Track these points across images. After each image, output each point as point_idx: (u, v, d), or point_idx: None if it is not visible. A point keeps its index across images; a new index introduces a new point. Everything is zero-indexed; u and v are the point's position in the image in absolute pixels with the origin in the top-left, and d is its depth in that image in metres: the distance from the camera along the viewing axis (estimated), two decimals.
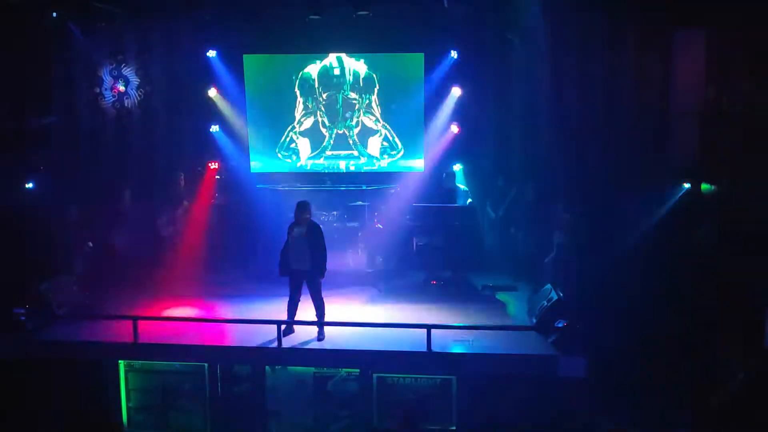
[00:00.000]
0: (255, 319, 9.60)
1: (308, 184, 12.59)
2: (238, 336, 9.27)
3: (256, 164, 13.12)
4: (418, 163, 12.92)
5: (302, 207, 9.32)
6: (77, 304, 10.09)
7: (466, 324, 9.51)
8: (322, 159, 13.09)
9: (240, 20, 12.12)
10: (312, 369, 9.19)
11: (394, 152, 12.97)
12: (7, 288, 9.69)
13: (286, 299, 9.43)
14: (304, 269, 9.22)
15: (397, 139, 12.91)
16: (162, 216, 11.90)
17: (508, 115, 12.74)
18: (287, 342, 9.00)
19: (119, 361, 9.37)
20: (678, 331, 9.70)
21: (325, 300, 9.42)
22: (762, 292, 9.24)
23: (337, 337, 9.26)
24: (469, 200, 12.01)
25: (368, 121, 12.92)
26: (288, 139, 13.10)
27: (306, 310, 9.64)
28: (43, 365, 9.31)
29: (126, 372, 9.41)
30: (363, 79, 12.75)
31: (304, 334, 9.28)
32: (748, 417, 8.05)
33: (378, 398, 9.13)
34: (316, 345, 9.07)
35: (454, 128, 12.56)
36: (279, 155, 13.14)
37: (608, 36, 12.30)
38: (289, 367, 9.22)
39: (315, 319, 9.40)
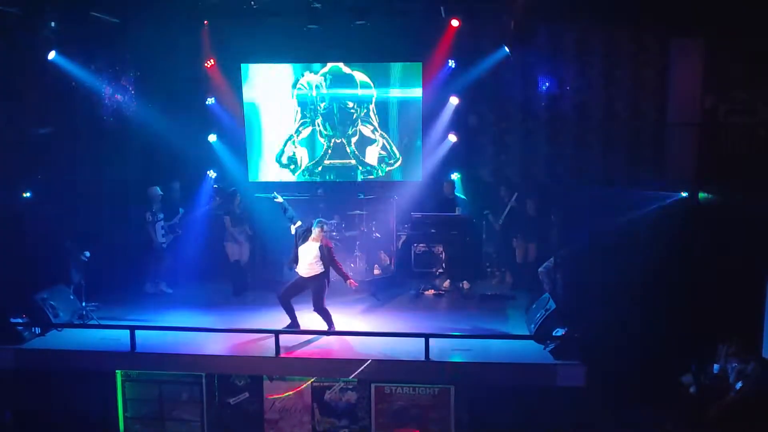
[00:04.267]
0: (253, 328, 9.59)
1: (306, 193, 12.59)
2: (236, 345, 9.23)
3: (254, 173, 13.13)
4: (416, 173, 12.93)
5: (321, 225, 9.49)
6: (74, 314, 10.05)
7: (465, 333, 9.50)
8: (320, 168, 13.11)
9: (238, 30, 12.16)
10: (310, 378, 9.16)
11: (392, 161, 12.98)
12: (4, 297, 9.67)
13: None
14: (310, 277, 9.40)
15: (395, 148, 12.93)
16: (158, 224, 11.89)
17: (506, 124, 12.80)
18: (285, 352, 8.97)
19: (116, 371, 9.32)
20: (677, 340, 9.70)
21: None
22: (759, 301, 9.25)
23: (335, 347, 9.24)
24: (458, 209, 12.04)
25: (366, 131, 12.94)
26: (286, 148, 13.12)
27: (305, 321, 9.67)
28: (40, 375, 9.27)
29: (123, 382, 9.36)
30: (361, 88, 12.78)
31: (302, 345, 9.26)
32: (747, 426, 8.03)
33: (376, 407, 9.09)
34: (314, 355, 9.05)
35: (452, 137, 12.58)
36: (277, 164, 13.15)
37: (605, 45, 12.39)
38: (287, 377, 9.18)
39: (316, 327, 9.57)
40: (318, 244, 9.36)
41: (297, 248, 9.43)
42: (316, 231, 9.35)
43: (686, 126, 12.20)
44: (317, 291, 9.37)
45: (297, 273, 9.46)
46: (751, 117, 11.94)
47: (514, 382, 8.65)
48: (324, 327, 9.47)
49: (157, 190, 11.68)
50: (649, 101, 12.39)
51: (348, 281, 9.46)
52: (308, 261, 9.35)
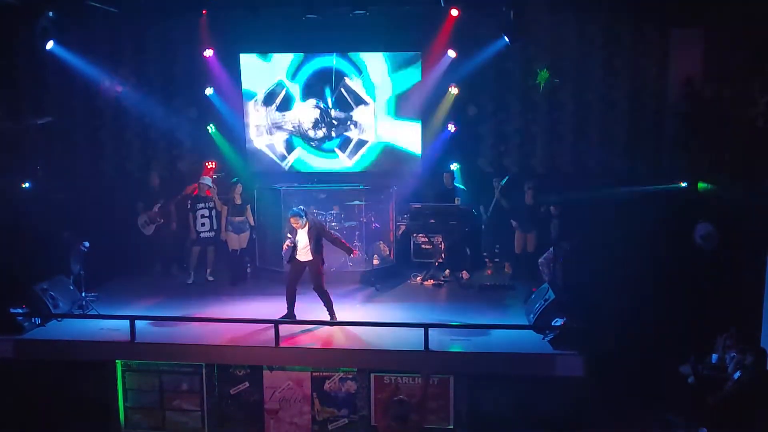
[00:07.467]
0: (253, 318, 9.61)
1: (306, 183, 12.59)
2: (235, 336, 9.25)
3: (254, 163, 13.12)
4: (415, 163, 12.91)
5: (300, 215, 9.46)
6: (74, 304, 10.06)
7: (464, 323, 9.52)
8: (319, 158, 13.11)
9: (236, 19, 12.12)
10: (309, 368, 9.18)
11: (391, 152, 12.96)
12: (4, 288, 9.68)
13: (284, 298, 9.52)
14: (306, 261, 9.49)
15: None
16: (141, 216, 11.91)
17: (505, 114, 12.77)
18: (285, 342, 8.99)
19: (116, 361, 9.34)
20: (675, 330, 9.73)
21: None
22: (758, 291, 9.26)
23: (334, 337, 9.27)
24: (457, 199, 12.05)
25: (366, 120, 12.91)
26: (286, 138, 13.10)
27: (305, 311, 9.68)
28: (40, 365, 9.29)
29: (123, 372, 9.37)
30: (360, 78, 12.74)
31: (301, 335, 9.29)
32: (745, 416, 8.05)
33: (376, 397, 9.12)
34: (314, 345, 9.07)
35: (451, 128, 12.56)
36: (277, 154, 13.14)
37: (605, 35, 12.34)
38: (287, 367, 9.21)
39: (316, 318, 9.64)
40: (304, 231, 9.38)
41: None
42: (290, 222, 9.46)
43: (686, 116, 12.18)
44: (314, 271, 9.44)
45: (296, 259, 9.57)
46: (751, 107, 11.91)
47: (513, 371, 8.67)
48: (324, 315, 9.50)
49: (208, 181, 11.71)
50: (649, 91, 12.36)
51: (351, 253, 10.15)
52: (301, 247, 9.45)
